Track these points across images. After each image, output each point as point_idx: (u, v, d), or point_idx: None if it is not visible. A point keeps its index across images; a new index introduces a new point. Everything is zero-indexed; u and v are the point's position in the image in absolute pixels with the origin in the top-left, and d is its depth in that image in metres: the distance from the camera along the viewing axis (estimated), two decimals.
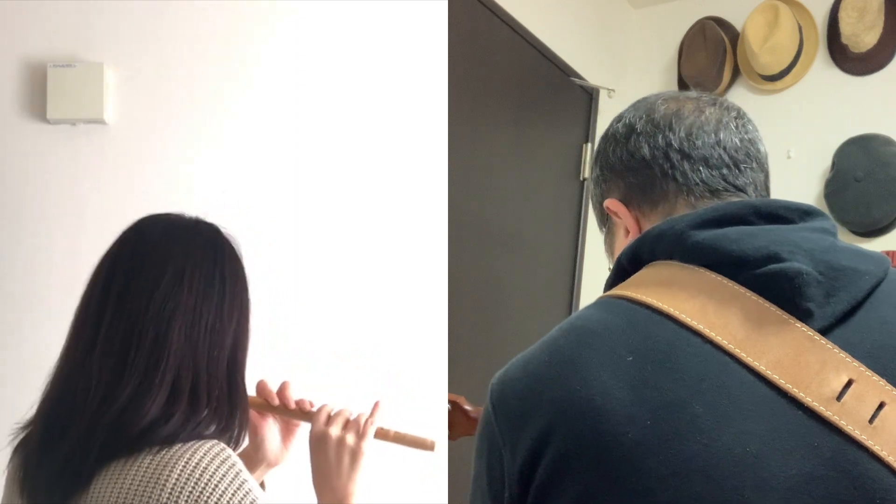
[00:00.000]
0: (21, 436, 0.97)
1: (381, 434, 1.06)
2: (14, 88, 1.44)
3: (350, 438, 1.03)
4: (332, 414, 1.05)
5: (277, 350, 1.38)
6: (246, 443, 1.07)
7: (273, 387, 1.08)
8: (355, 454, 1.03)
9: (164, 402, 0.90)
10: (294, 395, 1.08)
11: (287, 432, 1.11)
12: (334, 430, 1.03)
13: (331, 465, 1.02)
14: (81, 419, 0.89)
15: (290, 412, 1.08)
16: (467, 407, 1.41)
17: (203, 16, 1.48)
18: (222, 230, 1.03)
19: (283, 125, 1.48)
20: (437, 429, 1.42)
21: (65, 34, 1.45)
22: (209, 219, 1.04)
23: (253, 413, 1.07)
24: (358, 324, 1.48)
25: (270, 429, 1.09)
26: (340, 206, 1.49)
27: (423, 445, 1.07)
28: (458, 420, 1.41)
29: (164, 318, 0.93)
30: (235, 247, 1.03)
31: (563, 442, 0.65)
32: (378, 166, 1.50)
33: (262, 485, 1.12)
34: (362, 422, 1.04)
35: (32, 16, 1.44)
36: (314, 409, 1.07)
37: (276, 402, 1.08)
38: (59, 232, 1.44)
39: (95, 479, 0.88)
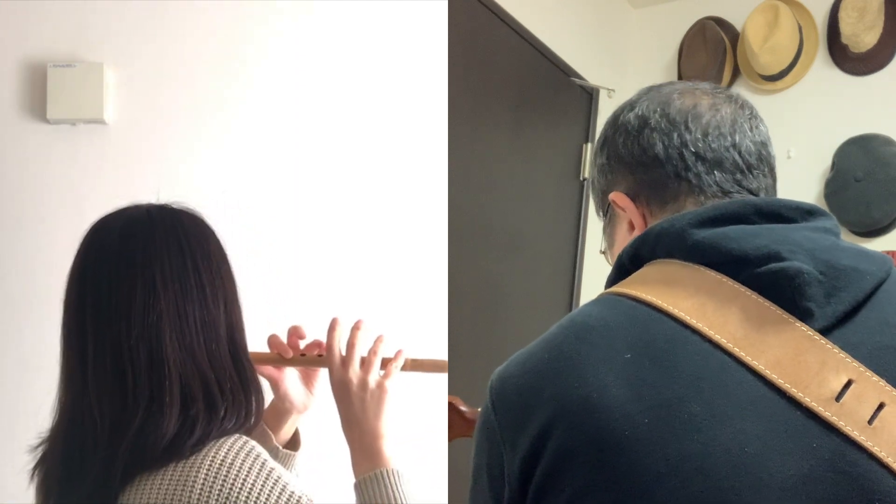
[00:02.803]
0: (40, 452, 0.97)
1: (405, 366, 1.05)
2: (14, 88, 1.44)
3: (372, 378, 1.01)
4: (344, 354, 1.03)
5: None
6: (271, 396, 1.07)
7: (283, 337, 1.08)
8: (380, 393, 1.01)
9: (179, 415, 0.89)
10: (306, 338, 1.08)
11: (308, 377, 1.10)
12: (353, 374, 1.01)
13: (356, 408, 1.00)
14: (95, 452, 0.88)
15: (304, 361, 1.07)
16: (463, 408, 1.40)
17: (203, 16, 1.48)
18: (177, 208, 1.00)
19: (283, 125, 1.48)
20: (437, 429, 1.42)
21: (65, 34, 1.45)
22: (206, 216, 1.02)
23: (270, 367, 1.07)
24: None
25: (290, 378, 1.09)
26: (341, 206, 1.49)
27: (440, 367, 1.07)
28: (454, 421, 1.40)
29: (152, 331, 0.90)
30: (197, 219, 1.00)
31: (562, 439, 0.64)
32: (378, 166, 1.50)
33: (295, 433, 1.12)
34: (375, 361, 1.02)
35: (32, 16, 1.44)
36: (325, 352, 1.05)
37: (290, 354, 1.07)
38: (59, 232, 1.43)
39: (122, 494, 0.88)
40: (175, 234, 0.96)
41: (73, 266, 0.97)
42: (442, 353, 1.49)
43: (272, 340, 1.08)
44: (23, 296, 1.43)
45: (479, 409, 0.75)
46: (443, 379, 1.50)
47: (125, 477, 0.87)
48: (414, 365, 1.06)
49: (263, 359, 1.06)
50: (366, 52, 1.50)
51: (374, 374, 1.02)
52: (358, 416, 1.00)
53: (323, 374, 1.10)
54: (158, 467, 0.87)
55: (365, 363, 1.02)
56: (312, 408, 1.11)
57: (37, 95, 1.43)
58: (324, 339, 1.07)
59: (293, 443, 1.12)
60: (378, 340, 1.04)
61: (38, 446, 0.97)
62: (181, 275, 0.94)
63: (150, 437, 0.87)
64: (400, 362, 1.04)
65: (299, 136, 1.49)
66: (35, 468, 0.97)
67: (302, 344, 1.09)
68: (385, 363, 1.04)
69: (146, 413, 0.88)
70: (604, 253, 0.96)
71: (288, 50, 1.49)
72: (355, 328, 1.05)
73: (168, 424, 0.88)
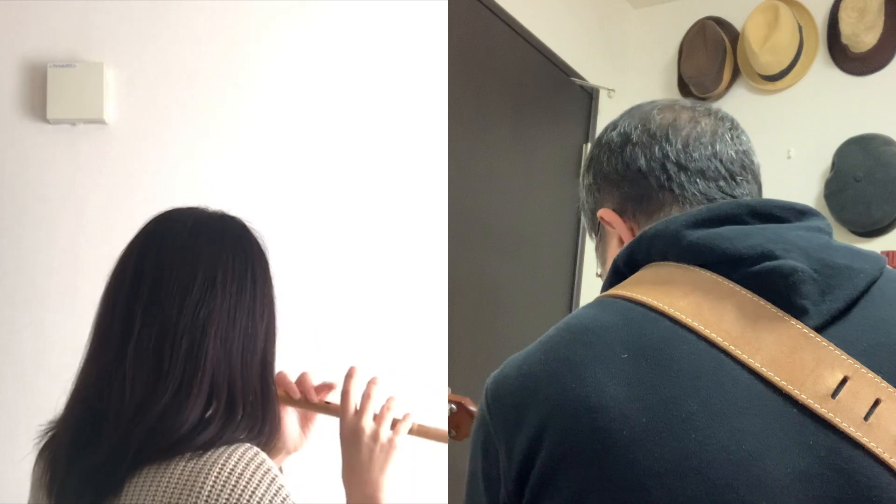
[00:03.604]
0: (46, 438, 0.97)
1: (411, 430, 1.06)
2: (14, 88, 1.44)
3: (384, 433, 1.02)
4: (358, 407, 1.04)
5: (277, 349, 1.39)
6: None
7: (292, 377, 1.08)
8: (389, 448, 1.02)
9: (202, 410, 0.90)
10: (314, 383, 1.08)
11: (305, 420, 1.11)
12: (367, 424, 1.02)
13: (363, 457, 1.01)
14: (116, 426, 0.88)
15: (313, 406, 1.08)
16: (472, 408, 1.41)
17: (203, 16, 1.48)
18: (248, 225, 1.02)
19: (283, 125, 1.49)
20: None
21: (65, 34, 1.45)
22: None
23: None
24: (358, 324, 1.48)
25: (289, 417, 1.09)
26: (341, 206, 1.49)
27: (443, 438, 1.08)
28: (463, 421, 1.41)
29: (199, 324, 0.92)
30: (261, 242, 1.02)
31: (558, 440, 0.64)
32: (378, 166, 1.50)
33: (279, 471, 1.12)
34: (388, 416, 1.03)
35: (32, 16, 1.44)
36: (336, 395, 1.06)
37: (298, 395, 1.07)
38: (59, 232, 1.44)
39: (127, 485, 0.87)
40: (242, 243, 0.99)
41: (135, 243, 0.98)
42: (441, 356, 1.50)
43: (280, 379, 1.08)
44: (23, 296, 1.43)
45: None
46: (443, 379, 1.50)
47: (136, 460, 0.87)
48: (419, 430, 1.07)
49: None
50: (366, 52, 1.50)
51: (386, 430, 1.03)
52: (364, 466, 1.01)
53: (319, 420, 1.11)
54: (166, 459, 0.87)
55: (378, 417, 1.04)
56: (304, 449, 1.12)
57: (37, 95, 1.44)
58: (328, 378, 1.08)
59: None
60: (390, 399, 1.05)
61: (47, 431, 0.97)
62: (240, 281, 0.96)
63: (167, 422, 0.88)
64: (408, 424, 1.05)
65: (299, 135, 1.49)
66: (40, 453, 0.97)
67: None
68: (394, 423, 1.05)
69: (172, 399, 0.89)
70: (600, 276, 0.96)
71: (288, 50, 1.49)
72: (371, 382, 1.06)
73: (188, 415, 0.89)
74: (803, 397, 0.61)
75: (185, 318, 0.92)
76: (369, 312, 1.49)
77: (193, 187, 1.46)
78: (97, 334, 0.96)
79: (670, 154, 0.83)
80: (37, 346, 1.41)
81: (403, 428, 1.04)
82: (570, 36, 2.62)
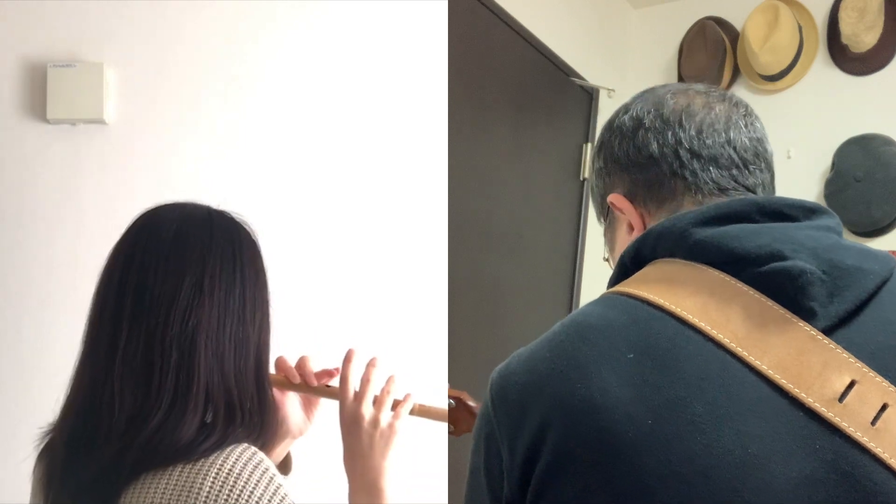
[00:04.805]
0: (45, 441, 0.96)
1: (412, 411, 1.05)
2: (14, 88, 1.44)
3: (384, 418, 1.01)
4: (358, 390, 1.03)
5: (276, 350, 1.39)
6: None
7: (292, 361, 1.07)
8: (390, 433, 1.01)
9: (199, 422, 0.89)
10: (314, 368, 1.07)
11: (308, 404, 1.10)
12: (366, 410, 1.01)
13: (364, 444, 1.00)
14: (110, 439, 0.87)
15: (312, 390, 1.06)
16: (471, 403, 1.40)
17: (203, 15, 1.48)
18: (236, 218, 1.00)
19: (283, 125, 1.48)
20: (437, 428, 1.42)
21: (65, 34, 1.45)
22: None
23: (274, 390, 1.05)
24: (358, 323, 1.47)
25: (292, 402, 1.08)
26: (341, 206, 1.49)
27: (444, 417, 1.08)
28: (461, 416, 1.40)
29: (188, 334, 0.90)
30: (253, 236, 1.00)
31: (562, 439, 0.64)
32: (378, 166, 1.50)
33: (287, 457, 1.11)
34: (388, 400, 1.02)
35: (32, 16, 1.44)
36: (336, 380, 1.05)
37: (297, 379, 1.06)
38: (59, 232, 1.43)
39: (124, 494, 0.87)
40: (230, 243, 0.96)
41: (121, 246, 0.95)
42: (441, 356, 1.50)
43: (280, 363, 1.07)
44: (23, 296, 1.43)
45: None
46: (443, 379, 1.50)
47: (132, 473, 0.86)
48: (421, 411, 1.06)
49: (272, 381, 1.05)
50: (366, 52, 1.50)
51: (386, 414, 1.02)
52: (364, 452, 1.00)
53: (323, 403, 1.10)
54: (164, 466, 0.87)
55: (377, 401, 1.02)
56: (309, 434, 1.11)
57: (37, 95, 1.43)
58: (328, 365, 1.07)
59: (284, 466, 1.11)
60: (390, 380, 1.04)
61: (45, 434, 0.96)
62: (228, 285, 0.93)
63: (166, 438, 0.87)
64: (409, 406, 1.04)
65: (299, 135, 1.49)
66: (40, 456, 0.96)
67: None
68: (394, 404, 1.04)
69: (167, 414, 0.88)
70: (607, 260, 0.95)
71: (288, 50, 1.49)
72: (370, 364, 1.04)
73: (186, 430, 0.87)
74: (810, 401, 0.61)
75: (173, 328, 0.89)
76: (369, 312, 1.48)
77: (193, 187, 1.45)
78: (87, 341, 0.94)
79: (683, 140, 0.81)
80: (37, 346, 1.41)
81: (404, 410, 1.03)
82: (570, 36, 2.62)
